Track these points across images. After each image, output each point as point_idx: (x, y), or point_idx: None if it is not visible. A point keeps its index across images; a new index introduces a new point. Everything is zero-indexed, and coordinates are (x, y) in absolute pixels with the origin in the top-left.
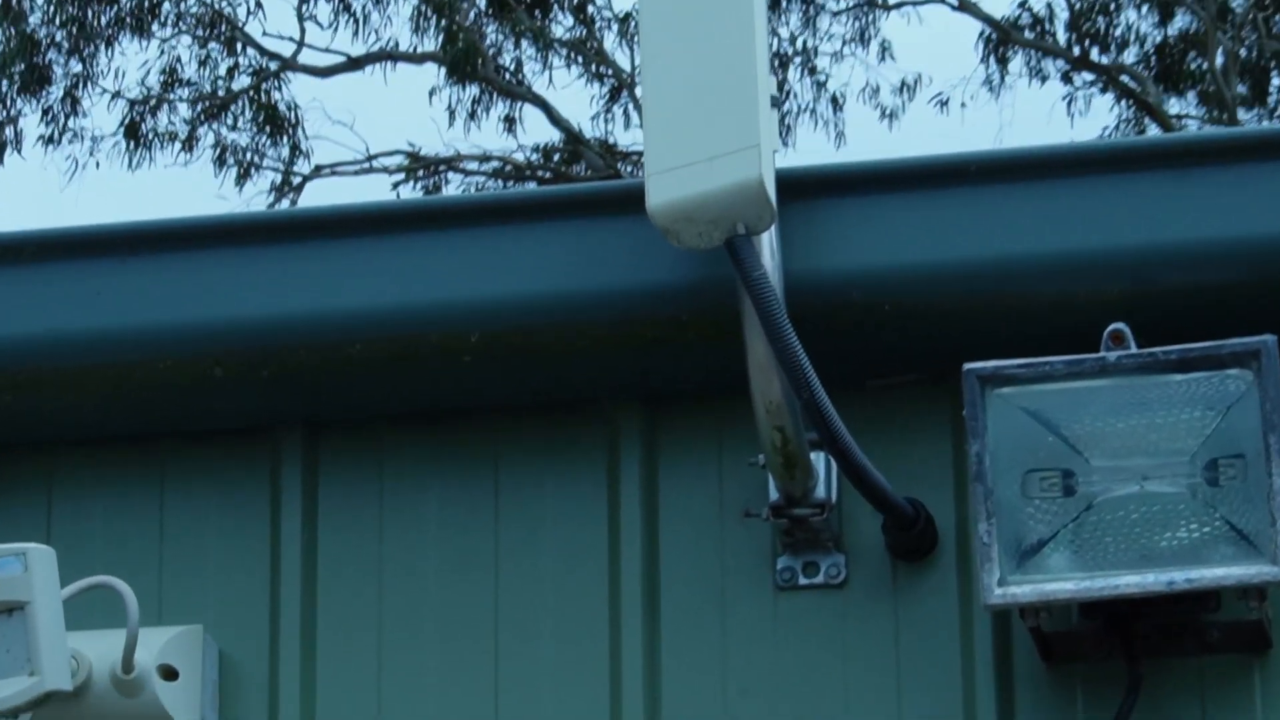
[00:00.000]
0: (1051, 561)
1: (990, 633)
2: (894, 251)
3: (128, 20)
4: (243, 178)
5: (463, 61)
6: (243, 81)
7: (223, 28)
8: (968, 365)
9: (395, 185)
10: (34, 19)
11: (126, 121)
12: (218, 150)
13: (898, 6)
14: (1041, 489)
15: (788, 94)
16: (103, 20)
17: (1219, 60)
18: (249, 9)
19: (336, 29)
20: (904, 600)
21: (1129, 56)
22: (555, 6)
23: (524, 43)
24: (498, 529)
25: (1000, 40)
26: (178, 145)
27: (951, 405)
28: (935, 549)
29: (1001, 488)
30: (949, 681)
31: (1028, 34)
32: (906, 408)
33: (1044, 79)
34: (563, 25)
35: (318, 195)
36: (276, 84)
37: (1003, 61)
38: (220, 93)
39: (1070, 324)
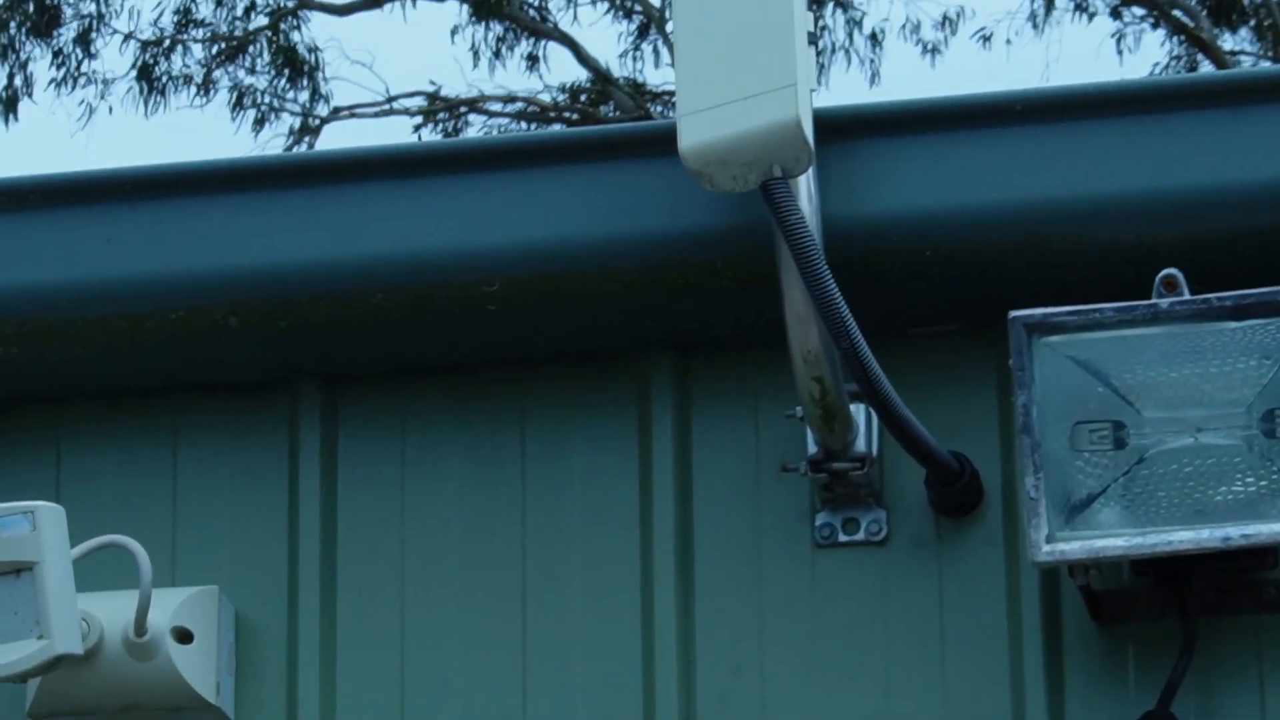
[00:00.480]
0: (1101, 517)
1: (1038, 592)
2: (936, 194)
3: None
4: (260, 122)
5: None
6: (259, 21)
7: None
8: (1014, 313)
9: (416, 128)
10: None
11: (139, 64)
12: (234, 94)
13: None
14: (1091, 441)
15: (822, 30)
16: None
17: None
18: None
19: None
20: (948, 558)
21: None
22: None
23: None
24: (524, 485)
25: None
26: (193, 89)
27: (997, 355)
28: (980, 504)
29: (1049, 440)
30: (994, 643)
31: None
32: (950, 357)
33: (1091, 15)
34: None
35: (336, 138)
36: (294, 23)
37: None
38: (237, 34)
39: (1121, 269)
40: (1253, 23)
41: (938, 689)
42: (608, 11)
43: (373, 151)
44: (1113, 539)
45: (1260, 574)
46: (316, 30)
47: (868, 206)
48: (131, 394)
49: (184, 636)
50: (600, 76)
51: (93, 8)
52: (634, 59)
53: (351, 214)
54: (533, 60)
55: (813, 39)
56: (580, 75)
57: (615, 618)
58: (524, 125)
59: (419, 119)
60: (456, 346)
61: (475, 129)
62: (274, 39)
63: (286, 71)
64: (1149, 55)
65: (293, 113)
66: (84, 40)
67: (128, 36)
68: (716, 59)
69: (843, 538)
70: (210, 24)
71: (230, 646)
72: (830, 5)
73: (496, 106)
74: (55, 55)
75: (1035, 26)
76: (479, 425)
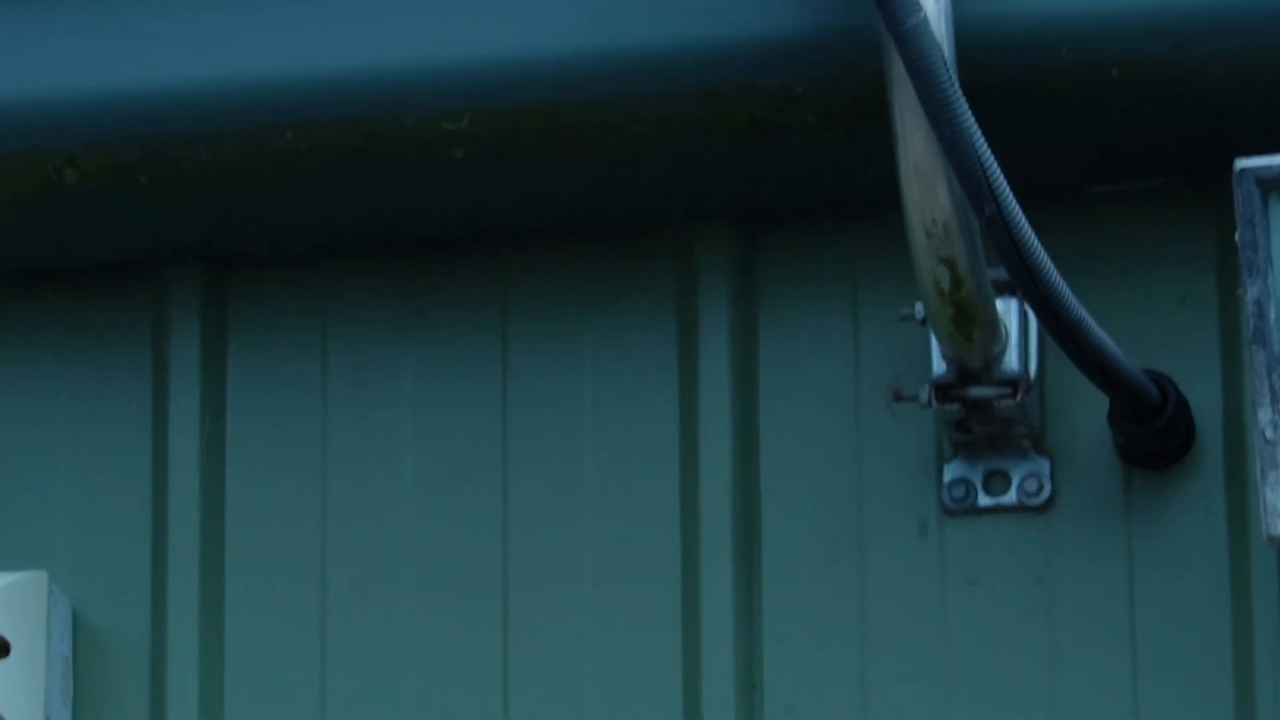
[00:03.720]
0: None
1: (1277, 580)
2: None
3: None
4: None
5: None
6: None
7: None
8: (1242, 162)
9: None
10: None
11: None
12: None
13: None
14: None
15: None
16: None
17: None
18: None
19: None
20: (1141, 530)
21: None
22: None
23: None
24: (505, 417)
25: None
26: None
27: (1216, 225)
28: (1190, 451)
29: None
30: (1211, 654)
31: None
32: (1145, 229)
33: None
34: None
35: None
36: None
37: None
38: None
39: None
40: None
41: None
42: None
43: None
44: None
45: None
46: None
47: (1023, 5)
48: None
49: None
50: None
51: None
52: None
53: (249, 18)
54: None
55: None
56: None
57: (641, 619)
58: None
59: None
60: (406, 213)
61: None
62: None
63: None
64: None
65: None
66: None
67: None
68: None
69: (985, 500)
70: None
71: (66, 662)
72: None
73: None
74: None
75: None
76: (440, 331)
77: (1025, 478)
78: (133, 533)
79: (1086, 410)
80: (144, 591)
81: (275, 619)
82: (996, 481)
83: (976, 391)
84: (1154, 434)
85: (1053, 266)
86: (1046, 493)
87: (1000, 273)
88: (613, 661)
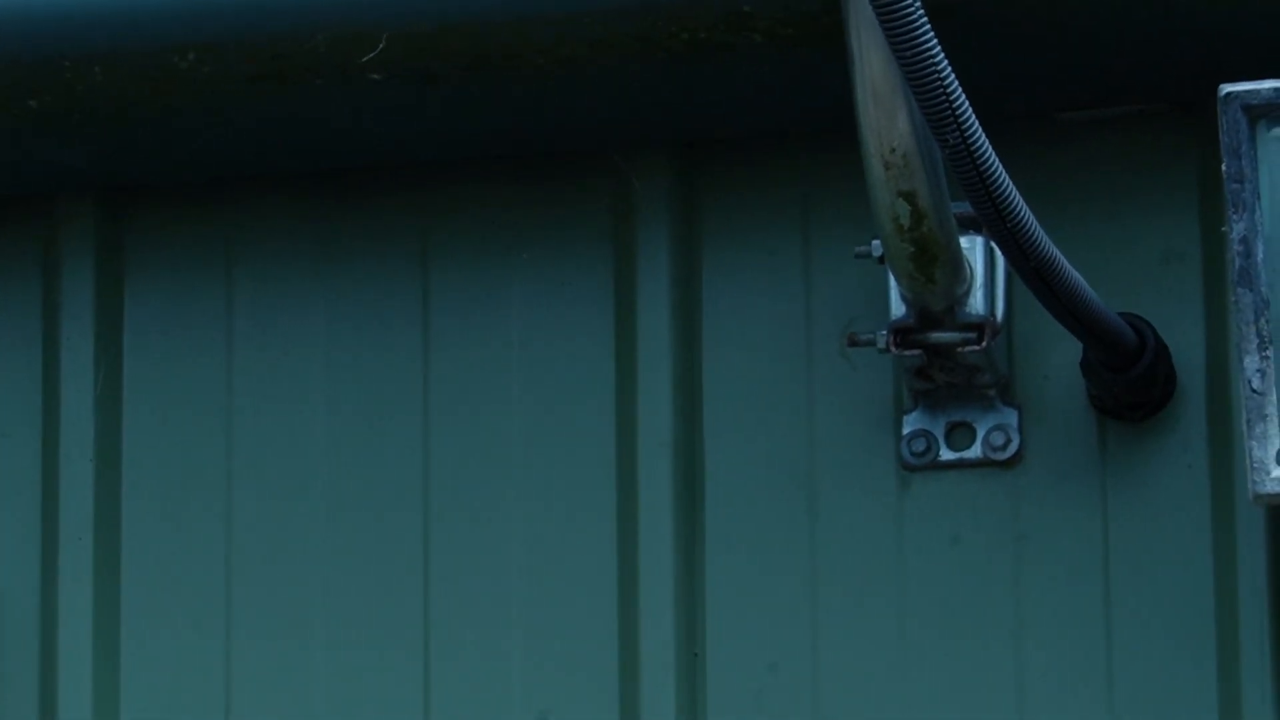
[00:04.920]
0: None
1: (1264, 541)
2: None
3: None
4: None
5: None
6: None
7: None
8: (1227, 87)
9: None
10: None
11: None
12: None
13: None
14: None
15: None
16: None
17: None
18: None
19: None
20: (1117, 487)
21: None
22: None
23: None
24: (426, 361)
25: None
26: None
27: (1198, 155)
28: (1170, 402)
29: None
30: (1192, 624)
31: None
32: (1122, 161)
33: None
34: None
35: None
36: None
37: None
38: None
39: None
40: None
41: (1100, 695)
42: None
43: None
44: None
45: None
46: None
47: None
48: None
49: None
50: None
51: None
52: None
53: None
54: None
55: None
56: None
57: (574, 582)
58: None
59: None
60: (318, 142)
61: None
62: None
63: None
64: None
65: None
66: None
67: None
68: None
69: (947, 454)
70: None
71: None
72: None
73: None
74: None
75: None
76: (355, 269)
77: (991, 430)
78: (20, 486)
79: (1057, 357)
80: (34, 551)
81: (176, 580)
82: (960, 434)
83: (938, 336)
84: (1131, 383)
85: (1021, 201)
86: (1014, 447)
87: (965, 207)
88: (543, 627)
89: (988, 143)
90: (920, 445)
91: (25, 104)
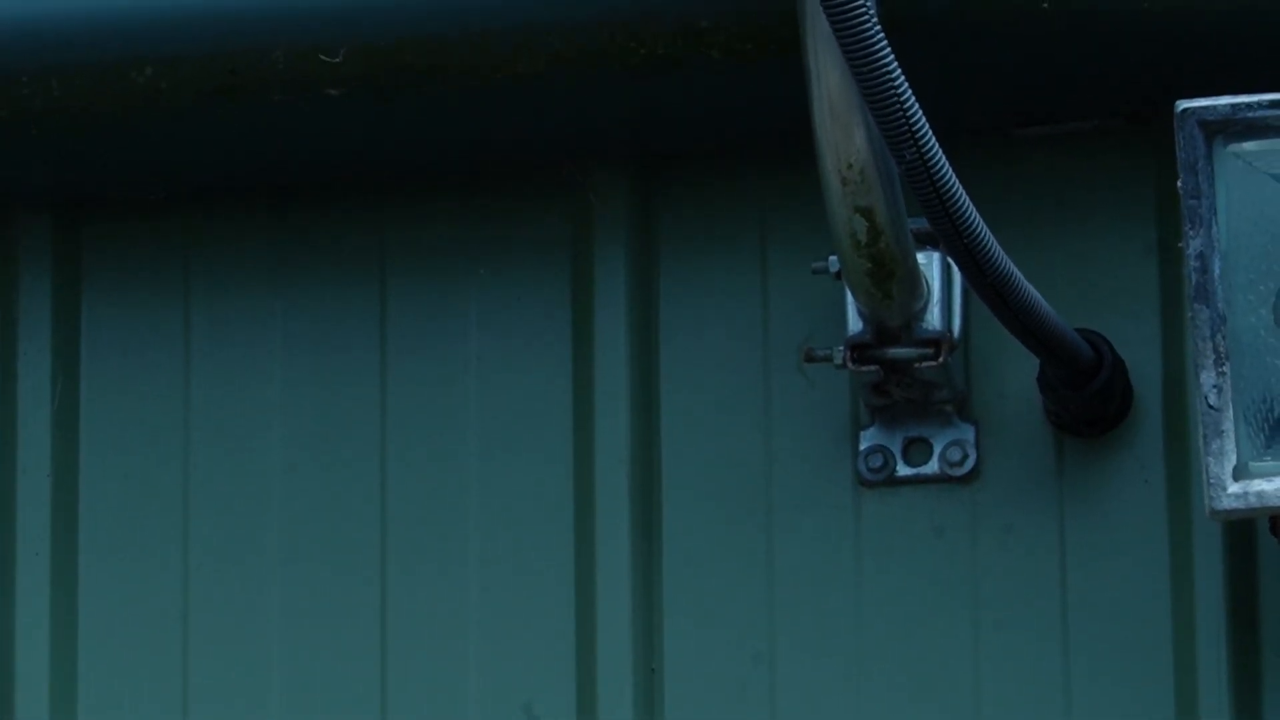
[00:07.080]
0: None
1: (1221, 556)
2: None
3: None
4: None
5: None
6: None
7: None
8: (1184, 103)
9: None
10: None
11: None
12: None
13: None
14: None
15: None
16: None
17: None
18: None
19: None
20: (1074, 503)
21: None
22: None
23: None
24: (383, 379)
25: None
26: None
27: (1155, 170)
28: (1127, 417)
29: (1240, 312)
30: (1150, 635)
31: None
32: (1078, 177)
33: None
34: None
35: None
36: None
37: None
38: None
39: None
40: None
41: (1058, 711)
42: None
43: None
44: None
45: None
46: None
47: None
48: None
49: None
50: None
51: None
52: None
53: None
54: None
55: None
56: None
57: (532, 603)
58: None
59: None
60: (276, 157)
61: None
62: None
63: None
64: None
65: None
66: None
67: None
68: None
69: (904, 470)
70: None
71: None
72: None
73: None
74: None
75: None
76: (312, 286)
77: (948, 446)
78: None
79: (1014, 373)
80: None
81: (132, 597)
82: (917, 450)
83: (895, 352)
84: (1088, 399)
85: (978, 216)
86: (971, 462)
87: (921, 223)
88: (501, 649)
89: (944, 159)
90: (877, 461)
91: None
